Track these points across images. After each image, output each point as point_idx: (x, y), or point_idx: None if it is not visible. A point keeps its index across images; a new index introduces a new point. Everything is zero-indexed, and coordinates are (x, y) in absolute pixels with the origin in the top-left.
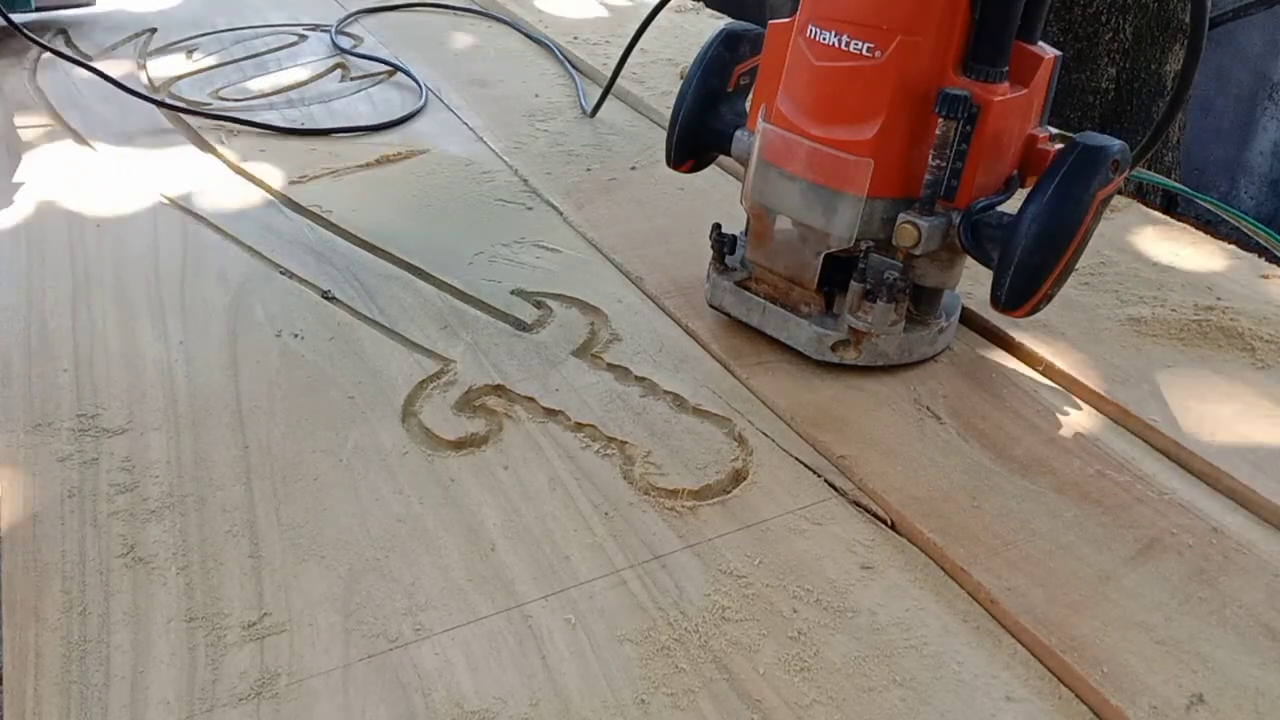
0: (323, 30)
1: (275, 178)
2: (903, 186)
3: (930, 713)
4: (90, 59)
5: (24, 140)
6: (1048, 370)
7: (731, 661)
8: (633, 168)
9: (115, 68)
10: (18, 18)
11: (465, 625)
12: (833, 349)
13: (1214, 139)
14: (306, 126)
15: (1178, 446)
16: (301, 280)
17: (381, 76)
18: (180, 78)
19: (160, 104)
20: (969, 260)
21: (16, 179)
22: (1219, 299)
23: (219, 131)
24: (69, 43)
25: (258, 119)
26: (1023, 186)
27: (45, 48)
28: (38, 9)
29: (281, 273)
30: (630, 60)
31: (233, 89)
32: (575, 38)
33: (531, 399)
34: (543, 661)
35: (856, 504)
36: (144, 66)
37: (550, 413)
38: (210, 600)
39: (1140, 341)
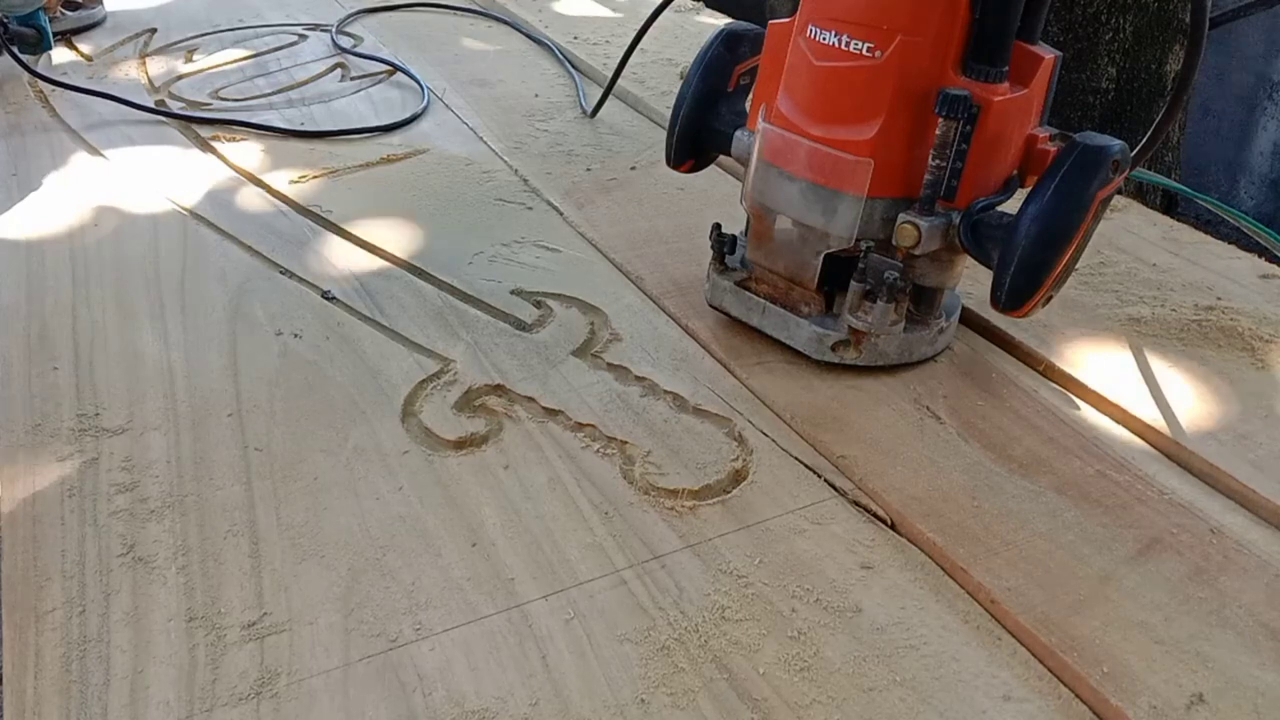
0: (322, 30)
1: (275, 178)
2: (903, 186)
3: (930, 712)
4: (91, 60)
5: (24, 140)
6: (1048, 370)
7: (731, 661)
8: (633, 168)
9: (115, 68)
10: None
11: (465, 625)
12: (833, 349)
13: (1214, 139)
14: (307, 126)
15: (1178, 446)
16: (301, 280)
17: (381, 76)
18: (180, 78)
19: (167, 113)
20: (969, 260)
21: (17, 179)
22: (1219, 299)
23: (219, 132)
24: (70, 44)
25: (258, 119)
26: (1023, 186)
27: (56, 83)
28: (55, 35)
29: (281, 273)
30: (630, 60)
31: (233, 89)
32: (575, 38)
33: (531, 399)
34: (543, 661)
35: (856, 504)
36: (144, 67)
37: (550, 413)
38: (210, 600)
39: (1140, 341)
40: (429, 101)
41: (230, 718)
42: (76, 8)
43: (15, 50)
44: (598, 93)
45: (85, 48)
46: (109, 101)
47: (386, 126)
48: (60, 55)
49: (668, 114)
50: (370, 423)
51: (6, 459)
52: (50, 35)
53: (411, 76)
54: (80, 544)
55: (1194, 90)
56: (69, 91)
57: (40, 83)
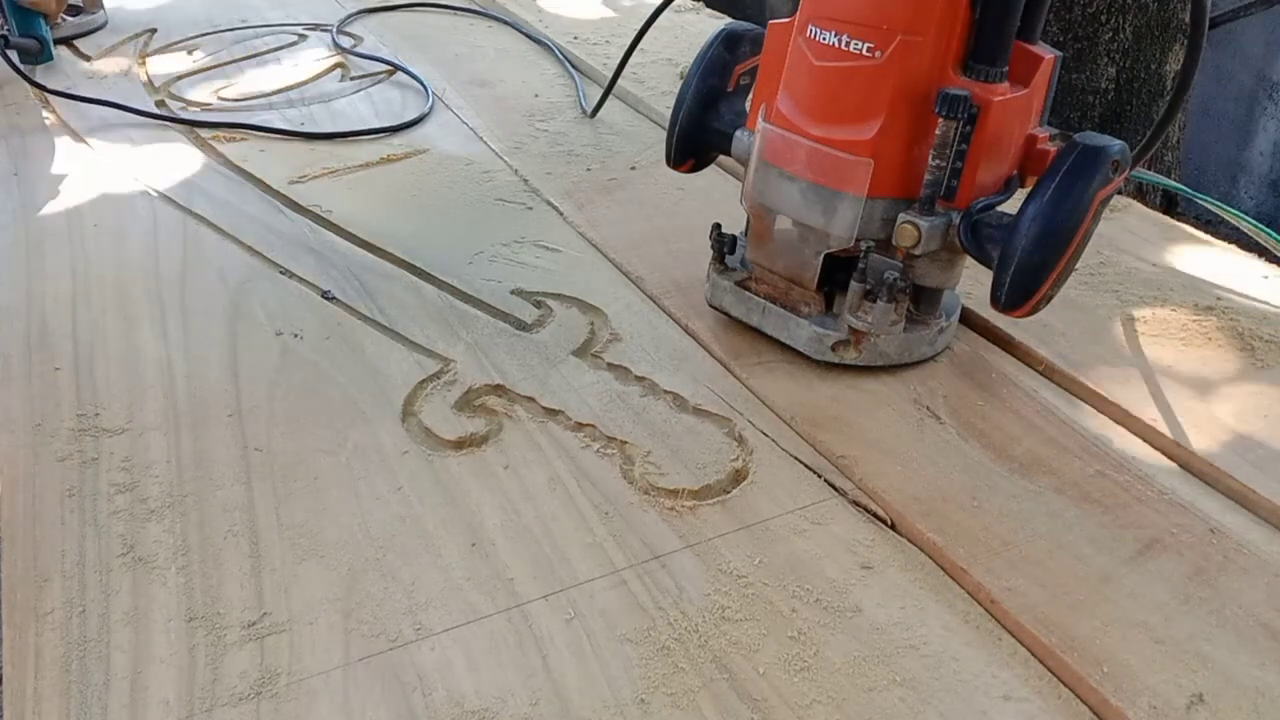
0: (323, 30)
1: (275, 178)
2: (903, 186)
3: (930, 712)
4: (91, 60)
5: (25, 140)
6: (1048, 370)
7: (731, 661)
8: (633, 168)
9: (115, 69)
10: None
11: (465, 625)
12: (833, 349)
13: (1214, 139)
14: (307, 127)
15: (1178, 446)
16: (301, 280)
17: (382, 76)
18: (180, 77)
19: (170, 118)
20: (969, 260)
21: (17, 179)
22: (1219, 299)
23: (220, 132)
24: (70, 45)
25: (258, 119)
26: (1023, 186)
27: (58, 94)
28: (56, 41)
29: (281, 273)
30: (630, 60)
31: (233, 89)
32: (575, 38)
33: (531, 399)
34: (543, 661)
35: (856, 504)
36: (144, 67)
37: (550, 413)
38: (210, 600)
39: (1140, 341)
40: (434, 103)
41: (230, 718)
42: (78, 13)
43: (15, 60)
44: (598, 93)
45: (85, 48)
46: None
47: (394, 128)
48: (60, 55)
49: (668, 114)
50: (370, 423)
51: (6, 459)
52: (51, 46)
53: (415, 78)
54: (80, 544)
55: (1194, 90)
56: (68, 91)
57: (40, 81)
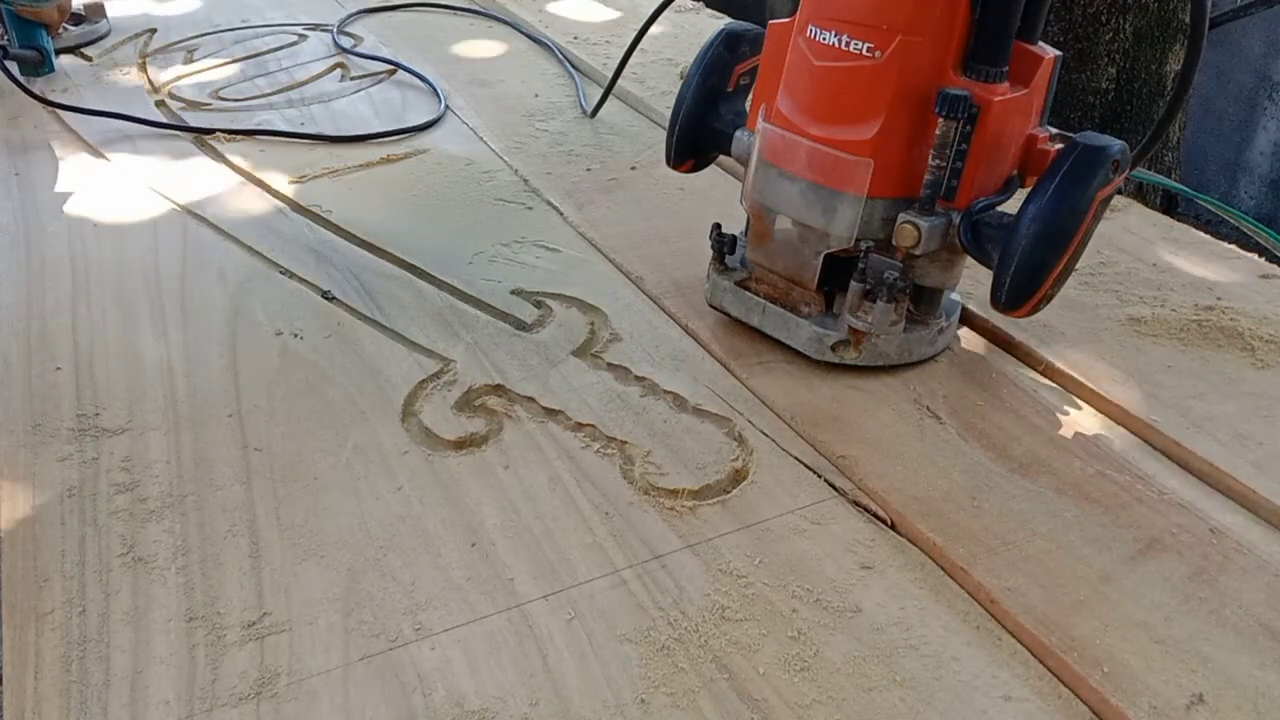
0: (323, 30)
1: (276, 178)
2: (903, 186)
3: (930, 712)
4: (92, 61)
5: (25, 140)
6: (1048, 370)
7: (731, 661)
8: (633, 168)
9: (116, 70)
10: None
11: (465, 625)
12: (833, 349)
13: (1214, 139)
14: (307, 127)
15: (1178, 446)
16: (301, 280)
17: (382, 76)
18: (180, 78)
19: (174, 126)
20: (969, 260)
21: (18, 179)
22: (1219, 299)
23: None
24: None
25: (258, 119)
26: (1023, 186)
27: (59, 106)
28: (58, 51)
29: (281, 273)
30: (630, 60)
31: (232, 89)
32: (575, 38)
33: (531, 399)
34: (543, 661)
35: (856, 504)
36: (144, 67)
37: (550, 413)
38: (210, 600)
39: (1140, 341)
40: (446, 105)
41: (230, 718)
42: (80, 22)
43: (14, 71)
44: (598, 93)
45: (86, 50)
46: (107, 103)
47: (407, 130)
48: (61, 57)
49: (668, 114)
50: (370, 423)
51: (6, 459)
52: (53, 57)
53: (426, 81)
54: (80, 544)
55: (1194, 90)
56: (68, 92)
57: (38, 82)
